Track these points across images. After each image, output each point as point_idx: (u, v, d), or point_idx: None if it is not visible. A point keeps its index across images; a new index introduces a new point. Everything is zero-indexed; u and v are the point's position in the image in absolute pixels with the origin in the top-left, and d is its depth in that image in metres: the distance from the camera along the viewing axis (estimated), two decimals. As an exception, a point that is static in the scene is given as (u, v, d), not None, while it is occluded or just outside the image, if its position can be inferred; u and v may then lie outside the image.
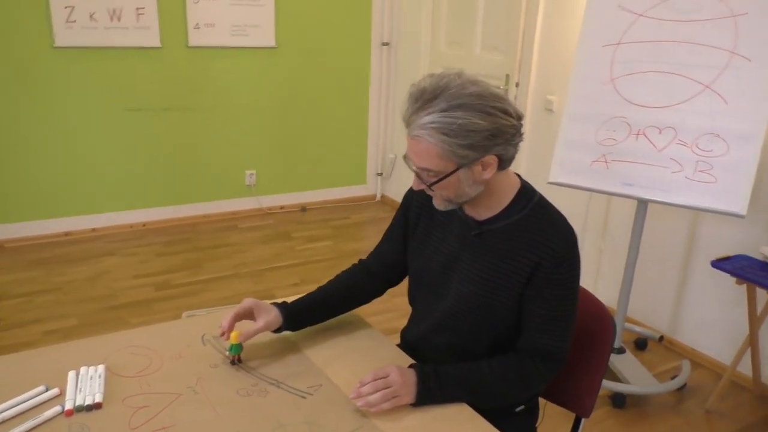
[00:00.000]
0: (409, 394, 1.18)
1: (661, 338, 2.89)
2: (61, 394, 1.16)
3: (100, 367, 1.24)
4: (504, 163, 1.22)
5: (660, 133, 2.25)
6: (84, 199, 3.82)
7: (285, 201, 4.54)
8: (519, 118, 1.21)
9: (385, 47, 4.52)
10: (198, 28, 3.82)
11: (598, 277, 3.17)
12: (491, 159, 1.18)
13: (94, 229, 3.90)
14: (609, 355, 1.41)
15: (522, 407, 1.43)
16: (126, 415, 1.12)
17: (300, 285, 3.28)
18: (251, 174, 4.34)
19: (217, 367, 1.28)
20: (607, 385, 2.44)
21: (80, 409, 1.12)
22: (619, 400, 2.43)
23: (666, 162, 2.23)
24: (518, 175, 1.34)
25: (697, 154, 2.18)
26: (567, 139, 2.44)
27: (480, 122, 1.13)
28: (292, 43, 4.18)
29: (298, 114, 4.36)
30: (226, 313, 1.33)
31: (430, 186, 1.21)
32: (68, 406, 1.12)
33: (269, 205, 4.47)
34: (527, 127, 3.40)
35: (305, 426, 1.11)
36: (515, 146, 1.22)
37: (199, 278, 3.37)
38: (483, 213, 1.30)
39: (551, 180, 2.46)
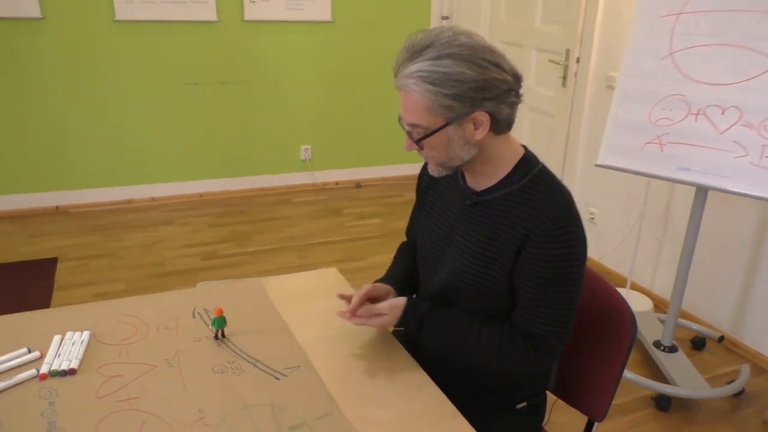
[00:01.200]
0: (394, 316, 1.23)
1: (722, 338, 2.65)
2: (42, 358, 1.18)
3: (85, 334, 1.25)
4: (499, 124, 1.14)
5: (723, 113, 2.03)
6: (145, 169, 3.96)
7: (340, 177, 4.52)
8: (516, 77, 1.12)
9: (444, 21, 4.36)
10: (254, 2, 3.83)
11: (656, 268, 2.95)
12: (482, 116, 1.10)
13: (153, 198, 4.04)
14: (627, 355, 1.27)
15: (524, 404, 1.33)
16: (96, 383, 1.12)
17: (343, 262, 3.25)
18: (306, 149, 4.35)
19: (199, 342, 1.26)
20: (651, 385, 2.26)
21: (54, 373, 1.13)
22: (663, 403, 2.24)
23: (728, 145, 2.01)
24: (525, 147, 1.23)
25: (764, 137, 1.94)
26: (618, 119, 2.25)
27: (467, 72, 1.06)
28: (348, 17, 4.12)
29: (354, 89, 4.31)
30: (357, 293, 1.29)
31: (418, 142, 1.13)
32: (43, 369, 1.13)
33: (324, 181, 4.47)
34: (586, 105, 3.18)
35: (269, 408, 1.07)
36: (511, 107, 1.13)
37: (246, 250, 3.42)
38: (481, 182, 1.22)
39: (599, 162, 2.28)
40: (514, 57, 3.70)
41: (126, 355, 1.21)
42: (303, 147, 4.34)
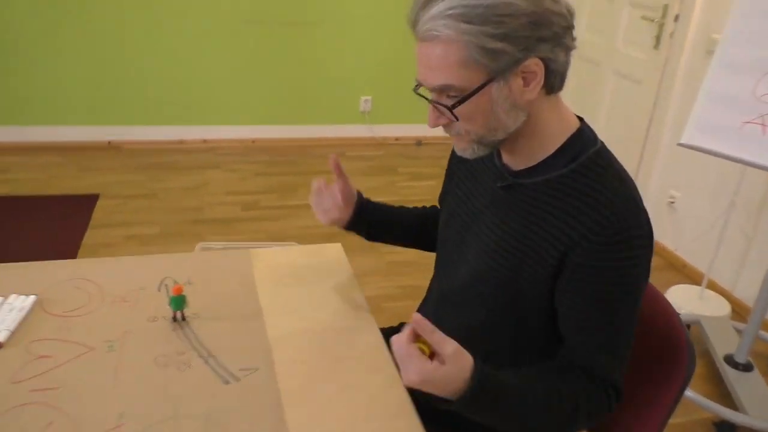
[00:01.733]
0: (448, 388, 0.77)
1: (811, 360, 2.26)
2: (-27, 324, 1.03)
3: (30, 299, 1.09)
4: (552, 78, 0.86)
5: None
6: (197, 109, 3.84)
7: (400, 132, 4.25)
8: (570, 12, 0.84)
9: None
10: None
11: (740, 269, 2.54)
12: (535, 65, 0.82)
13: (205, 141, 3.93)
14: (682, 389, 0.99)
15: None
16: (17, 364, 0.95)
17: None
18: (366, 100, 4.09)
19: (154, 322, 1.08)
20: (715, 408, 1.93)
21: (-22, 345, 0.98)
22: (725, 431, 1.92)
23: None
24: (581, 119, 0.95)
25: None
26: (713, 90, 1.85)
27: (517, 2, 0.78)
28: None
29: (422, 38, 3.97)
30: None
31: (451, 109, 0.84)
32: (-37, 340, 0.98)
33: (383, 135, 4.22)
34: (680, 71, 2.74)
35: (201, 422, 0.87)
36: (567, 53, 0.85)
37: (288, 203, 3.25)
38: (520, 161, 0.94)
39: (683, 141, 1.91)
40: (600, 11, 3.25)
41: (66, 330, 1.04)
42: (363, 98, 4.08)
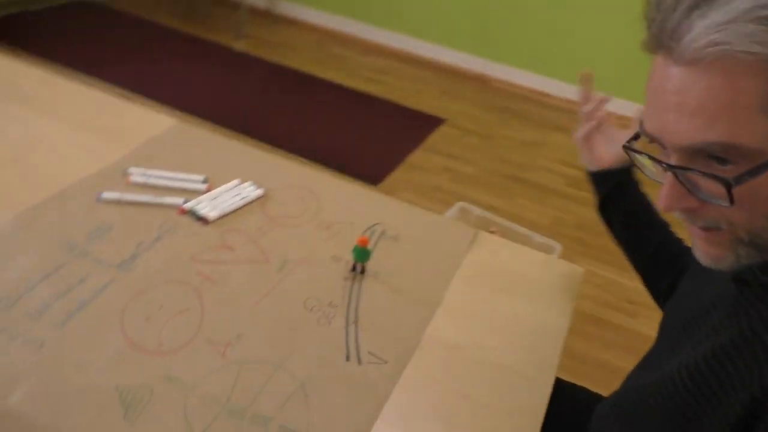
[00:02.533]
0: None
1: None
2: (207, 191, 1.12)
3: (257, 192, 1.14)
4: None
5: None
6: (571, 65, 3.59)
7: None
8: None
9: None
10: None
11: None
12: None
13: (569, 101, 3.69)
14: None
15: None
16: (206, 245, 1.01)
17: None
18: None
19: (336, 262, 1.02)
20: None
21: (192, 214, 1.06)
22: None
23: None
24: None
25: None
26: None
27: None
28: None
29: None
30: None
31: (730, 186, 0.51)
32: (187, 205, 1.07)
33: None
34: None
35: (297, 384, 0.79)
36: None
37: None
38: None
39: None
40: None
41: (262, 233, 1.06)
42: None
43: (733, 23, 0.47)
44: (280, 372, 0.81)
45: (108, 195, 1.06)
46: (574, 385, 1.08)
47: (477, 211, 1.64)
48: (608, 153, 0.98)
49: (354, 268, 1.01)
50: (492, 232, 1.78)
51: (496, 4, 3.63)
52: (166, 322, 0.86)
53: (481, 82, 3.80)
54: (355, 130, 3.06)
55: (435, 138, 3.08)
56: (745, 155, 0.50)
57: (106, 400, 0.74)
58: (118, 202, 1.06)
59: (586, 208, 2.71)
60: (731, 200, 0.51)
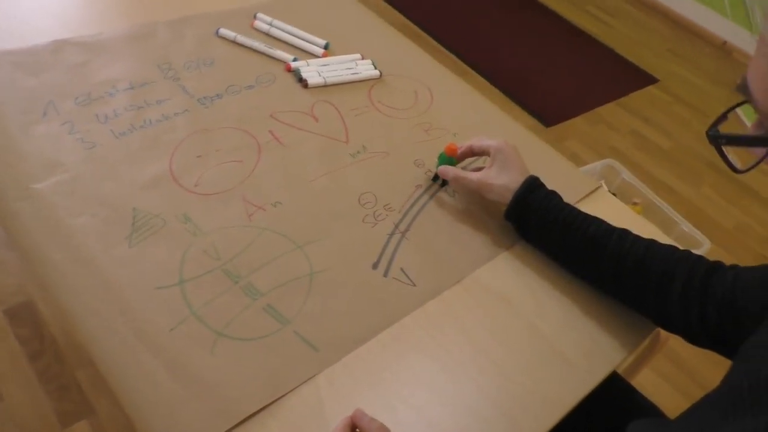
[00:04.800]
0: None
1: None
2: (323, 57, 1.04)
3: (373, 72, 1.04)
4: None
5: None
6: None
7: None
8: None
9: None
10: None
11: None
12: None
13: None
14: None
15: None
16: (288, 104, 0.94)
17: None
18: None
19: (418, 167, 0.90)
20: None
21: (296, 72, 0.99)
22: None
23: None
24: None
25: None
26: None
27: None
28: None
29: None
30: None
31: None
32: (294, 64, 1.01)
33: None
34: None
35: (306, 281, 0.72)
36: None
37: None
38: None
39: None
40: None
41: (353, 114, 0.96)
42: None
43: None
44: (297, 253, 0.74)
45: (224, 32, 1.03)
46: (641, 396, 0.87)
47: (626, 174, 1.38)
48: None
49: (435, 178, 0.88)
50: (634, 204, 1.52)
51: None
52: (215, 165, 0.82)
53: (720, 50, 3.23)
54: (551, 65, 2.78)
55: (637, 97, 2.70)
56: None
57: (119, 216, 0.72)
58: (233, 42, 1.02)
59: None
60: None
